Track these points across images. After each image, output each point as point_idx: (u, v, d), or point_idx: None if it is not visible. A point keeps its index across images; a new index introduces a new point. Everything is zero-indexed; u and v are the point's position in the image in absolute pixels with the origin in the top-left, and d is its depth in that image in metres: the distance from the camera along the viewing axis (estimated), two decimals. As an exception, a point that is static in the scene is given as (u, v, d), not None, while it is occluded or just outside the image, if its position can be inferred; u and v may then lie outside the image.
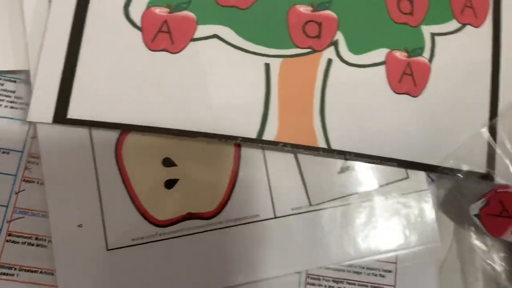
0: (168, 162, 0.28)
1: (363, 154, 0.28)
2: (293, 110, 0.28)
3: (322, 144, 0.28)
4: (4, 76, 0.29)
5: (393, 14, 0.30)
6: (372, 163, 0.29)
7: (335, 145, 0.28)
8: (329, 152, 0.28)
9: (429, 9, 0.31)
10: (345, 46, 0.29)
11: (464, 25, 0.32)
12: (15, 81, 0.29)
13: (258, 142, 0.27)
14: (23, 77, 0.28)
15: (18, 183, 0.27)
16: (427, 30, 0.31)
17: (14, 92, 0.28)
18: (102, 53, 0.27)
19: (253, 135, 0.27)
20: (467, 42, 0.32)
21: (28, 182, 0.28)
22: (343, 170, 0.29)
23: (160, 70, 0.27)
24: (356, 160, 0.28)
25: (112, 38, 0.27)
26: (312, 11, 0.29)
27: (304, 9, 0.29)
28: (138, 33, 0.28)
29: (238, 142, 0.27)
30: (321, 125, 0.28)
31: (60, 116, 0.26)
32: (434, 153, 0.29)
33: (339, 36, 0.30)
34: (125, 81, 0.27)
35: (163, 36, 0.28)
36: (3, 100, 0.28)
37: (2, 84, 0.29)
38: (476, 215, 0.29)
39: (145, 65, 0.27)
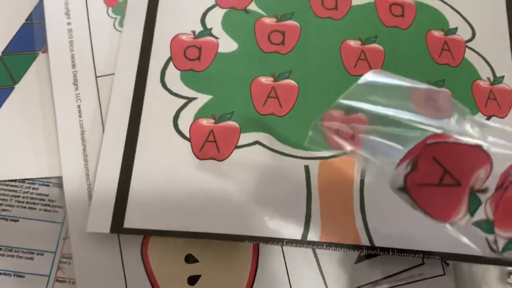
0: (190, 259, 0.29)
1: (407, 249, 0.29)
2: (334, 210, 0.30)
3: (365, 242, 0.29)
4: (39, 181, 0.31)
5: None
6: (416, 256, 0.30)
7: (378, 242, 0.29)
8: (373, 249, 0.29)
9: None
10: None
11: (489, 117, 0.34)
12: (48, 185, 0.31)
13: (303, 243, 0.29)
14: (55, 181, 0.31)
15: (51, 283, 0.30)
16: (454, 124, 0.33)
17: (47, 195, 0.31)
18: (154, 164, 0.30)
19: (297, 236, 0.29)
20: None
21: (60, 282, 0.29)
22: (360, 259, 0.30)
23: (209, 177, 0.30)
24: (400, 255, 0.30)
25: (162, 150, 0.30)
26: (345, 114, 0.32)
27: (337, 113, 0.32)
28: (187, 144, 0.30)
29: (284, 244, 0.29)
30: (362, 224, 0.30)
31: (117, 226, 0.28)
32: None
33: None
34: (176, 190, 0.29)
35: (210, 145, 0.30)
36: (37, 203, 0.31)
37: (37, 189, 0.31)
38: (401, 189, 0.19)
39: (194, 173, 0.30)
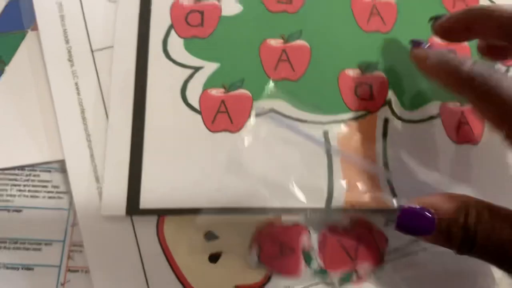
0: (210, 236, 0.29)
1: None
2: (357, 174, 0.29)
3: (390, 203, 0.29)
4: (40, 167, 0.30)
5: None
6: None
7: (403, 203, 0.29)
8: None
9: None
10: (398, 104, 0.31)
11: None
12: (50, 171, 0.30)
13: (328, 211, 0.28)
14: (57, 165, 0.30)
15: (63, 274, 0.29)
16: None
17: (50, 181, 0.30)
18: (165, 140, 0.29)
19: (321, 204, 0.28)
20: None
21: (72, 272, 0.29)
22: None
23: (223, 151, 0.29)
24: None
25: (172, 124, 0.29)
26: (361, 74, 0.31)
27: (353, 72, 0.31)
28: (197, 117, 0.29)
29: (308, 215, 0.28)
30: (387, 185, 0.29)
31: (133, 207, 0.27)
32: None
33: (391, 95, 0.31)
34: (190, 166, 0.28)
35: (222, 116, 0.30)
36: (40, 191, 0.30)
37: (38, 175, 0.30)
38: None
39: (208, 147, 0.29)
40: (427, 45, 0.29)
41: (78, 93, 0.31)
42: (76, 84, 0.31)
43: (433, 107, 0.31)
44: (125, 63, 0.30)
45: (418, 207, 0.23)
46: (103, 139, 0.30)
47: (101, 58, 0.31)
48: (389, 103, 0.31)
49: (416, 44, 0.29)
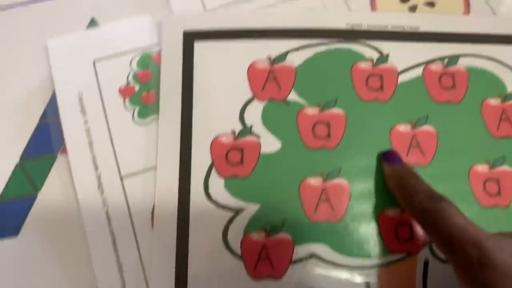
0: None
1: None
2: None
3: None
4: None
5: (481, 199, 0.32)
6: None
7: None
8: None
9: (516, 185, 0.33)
10: (439, 244, 0.31)
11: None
12: None
13: None
14: None
15: None
16: (517, 208, 0.33)
17: None
18: (208, 283, 0.30)
19: None
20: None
21: None
22: None
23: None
24: None
25: (214, 270, 0.30)
26: (401, 213, 0.32)
27: (392, 212, 0.32)
28: (240, 263, 0.31)
29: None
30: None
31: None
32: None
33: (432, 234, 0.31)
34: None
35: (264, 263, 0.31)
36: None
37: None
38: None
39: (250, 295, 0.30)
40: (396, 158, 0.31)
41: (109, 223, 0.32)
42: (107, 212, 0.32)
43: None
44: (168, 207, 0.31)
45: None
46: (140, 278, 0.31)
47: (130, 185, 0.32)
48: (429, 244, 0.31)
49: (386, 158, 0.32)
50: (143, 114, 0.34)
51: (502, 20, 0.36)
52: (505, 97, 0.35)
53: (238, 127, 0.33)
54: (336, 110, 0.33)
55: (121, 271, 0.31)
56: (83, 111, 0.34)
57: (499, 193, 0.33)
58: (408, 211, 0.28)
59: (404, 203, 0.29)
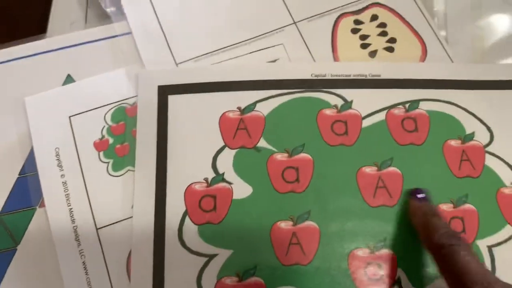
0: None
1: None
2: None
3: None
4: None
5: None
6: None
7: None
8: None
9: (480, 221, 0.34)
10: (408, 282, 0.32)
11: (519, 228, 0.34)
12: None
13: None
14: None
15: None
16: (483, 244, 0.34)
17: None
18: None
19: None
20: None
21: None
22: None
23: None
24: None
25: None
26: (370, 253, 0.33)
27: (362, 252, 0.33)
28: (214, 309, 0.31)
29: None
30: None
31: None
32: None
33: (401, 273, 0.32)
34: None
35: (237, 309, 0.31)
36: None
37: None
38: None
39: None
40: (423, 196, 0.33)
41: (86, 272, 0.33)
42: (84, 263, 0.33)
43: (441, 281, 0.32)
44: (144, 257, 0.32)
45: None
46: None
47: (105, 236, 0.33)
48: (398, 283, 0.32)
49: (413, 194, 0.33)
50: (117, 166, 0.35)
51: (456, 67, 0.39)
52: (465, 138, 0.36)
53: (210, 175, 0.35)
54: (304, 155, 0.35)
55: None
56: (60, 165, 0.35)
57: (463, 230, 0.34)
58: (427, 245, 0.30)
59: (424, 237, 0.30)
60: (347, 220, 0.33)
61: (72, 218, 0.34)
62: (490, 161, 0.36)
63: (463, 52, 0.40)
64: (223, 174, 0.34)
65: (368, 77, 0.38)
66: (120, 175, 0.35)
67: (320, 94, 0.37)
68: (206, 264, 0.32)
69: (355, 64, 0.38)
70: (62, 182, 0.35)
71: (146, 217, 0.33)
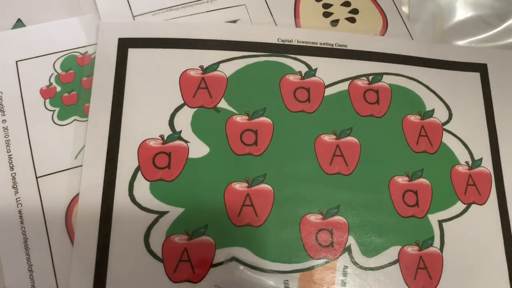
0: None
1: None
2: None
3: None
4: None
5: (400, 209, 0.34)
6: None
7: None
8: None
9: (433, 196, 0.35)
10: (358, 250, 0.33)
11: (469, 205, 0.35)
12: None
13: None
14: None
15: None
16: (434, 218, 0.35)
17: None
18: (127, 285, 0.30)
19: None
20: (475, 221, 0.35)
21: None
22: None
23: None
24: None
25: (135, 273, 0.30)
26: (322, 218, 0.33)
27: (314, 218, 0.33)
28: (159, 265, 0.31)
29: None
30: None
31: None
32: None
33: (351, 241, 0.33)
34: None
35: (184, 265, 0.31)
36: None
37: None
38: None
39: (168, 298, 0.30)
40: None
41: (22, 221, 0.32)
42: (20, 212, 0.32)
43: (392, 253, 0.33)
44: (90, 208, 0.31)
45: None
46: (51, 279, 0.30)
47: (45, 185, 0.33)
48: (348, 250, 0.33)
49: None
50: (63, 115, 0.34)
51: (418, 45, 0.39)
52: (424, 115, 0.37)
53: (167, 132, 0.34)
54: (264, 119, 0.35)
55: (31, 271, 0.30)
56: (2, 109, 0.34)
57: (417, 203, 0.34)
58: None
59: None
60: (301, 186, 0.33)
61: (11, 165, 0.33)
62: (447, 139, 0.37)
63: (423, 30, 0.41)
64: (180, 132, 0.34)
65: (335, 47, 0.38)
66: (66, 124, 0.34)
67: (285, 59, 0.37)
68: (155, 221, 0.32)
69: (322, 32, 0.38)
70: (3, 128, 0.34)
71: (95, 169, 0.32)
